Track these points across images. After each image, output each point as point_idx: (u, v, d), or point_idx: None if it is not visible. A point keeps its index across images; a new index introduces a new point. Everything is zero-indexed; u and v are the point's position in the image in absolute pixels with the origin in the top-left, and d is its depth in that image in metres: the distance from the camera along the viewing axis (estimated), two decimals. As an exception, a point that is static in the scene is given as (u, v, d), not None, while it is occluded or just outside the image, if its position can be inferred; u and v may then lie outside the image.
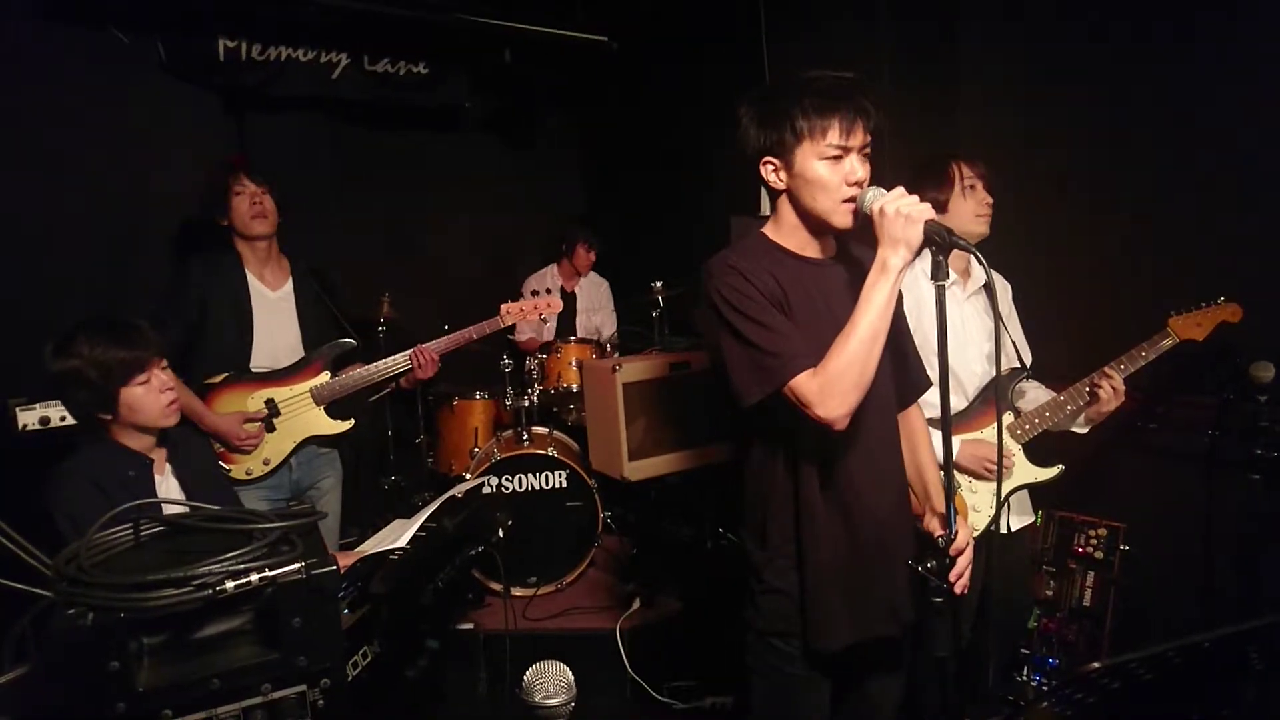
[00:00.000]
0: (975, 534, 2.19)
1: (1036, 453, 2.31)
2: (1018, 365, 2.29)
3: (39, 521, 1.82)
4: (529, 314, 3.09)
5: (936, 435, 2.21)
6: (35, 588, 1.11)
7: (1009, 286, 2.42)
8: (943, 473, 1.44)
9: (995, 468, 2.22)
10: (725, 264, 1.61)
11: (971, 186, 2.27)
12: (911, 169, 2.36)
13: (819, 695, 1.69)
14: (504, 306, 3.03)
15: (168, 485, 2.08)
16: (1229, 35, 2.52)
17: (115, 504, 1.25)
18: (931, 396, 2.28)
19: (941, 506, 1.67)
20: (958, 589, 1.51)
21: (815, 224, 1.63)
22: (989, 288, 2.31)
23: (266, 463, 2.72)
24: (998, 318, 1.44)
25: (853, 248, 1.74)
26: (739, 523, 1.78)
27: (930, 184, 2.26)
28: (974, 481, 2.27)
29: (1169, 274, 2.63)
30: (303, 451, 2.80)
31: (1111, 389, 2.18)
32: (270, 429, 2.72)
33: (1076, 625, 2.89)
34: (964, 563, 1.52)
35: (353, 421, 2.86)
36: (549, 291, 3.23)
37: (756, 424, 1.65)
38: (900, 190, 1.48)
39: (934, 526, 1.62)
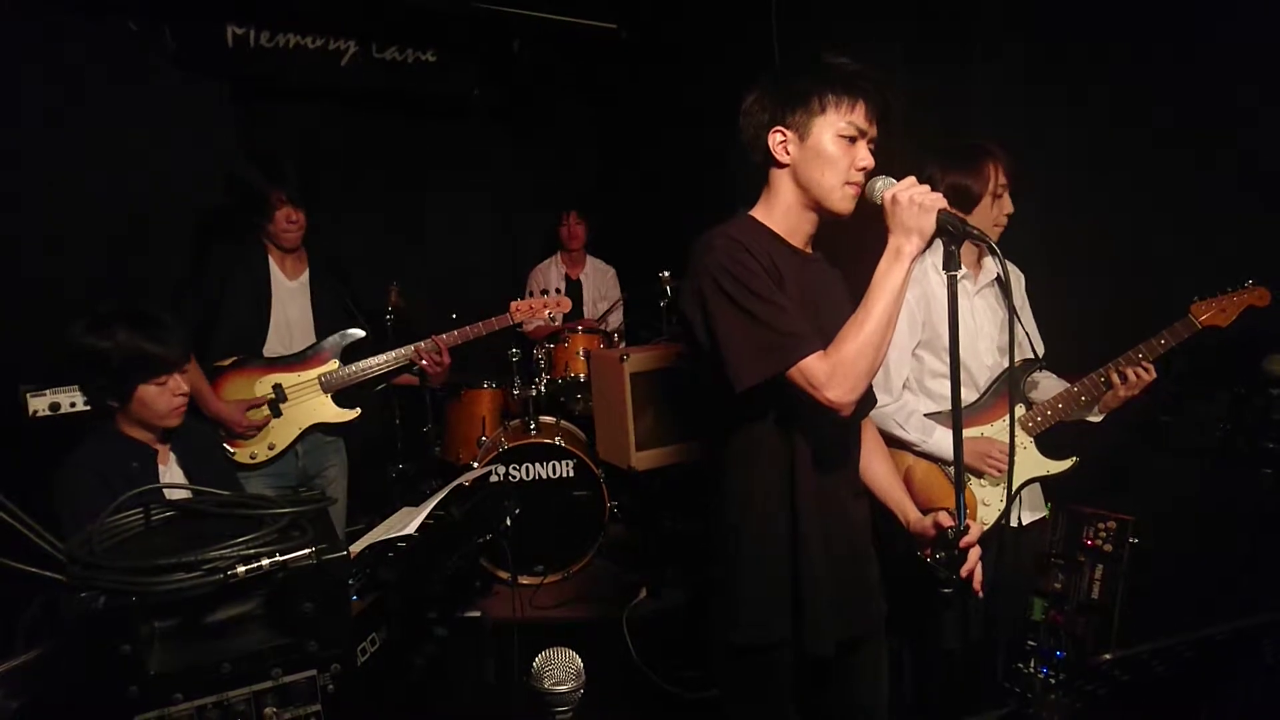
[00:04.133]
0: (985, 528, 2.17)
1: (1049, 445, 2.29)
2: (1031, 357, 2.26)
3: (49, 506, 1.84)
4: (538, 313, 3.11)
5: (942, 430, 2.22)
6: (47, 571, 1.11)
7: (1022, 276, 2.38)
8: (953, 466, 1.43)
9: (998, 465, 2.22)
10: (726, 236, 1.53)
11: (998, 195, 2.20)
12: (942, 150, 2.28)
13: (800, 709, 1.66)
14: (513, 304, 3.04)
15: (172, 476, 2.08)
16: (1252, 15, 2.48)
17: (119, 497, 1.25)
18: (942, 388, 2.29)
19: (912, 509, 1.67)
20: (976, 585, 1.50)
21: (813, 204, 1.58)
22: (1002, 281, 2.30)
23: (271, 448, 2.73)
24: (1012, 311, 1.43)
25: (822, 256, 1.71)
26: (708, 532, 1.67)
27: (961, 170, 2.20)
28: (983, 477, 2.25)
29: (1185, 264, 2.59)
30: (309, 439, 2.81)
31: (1136, 374, 2.13)
32: (276, 414, 2.74)
33: (1084, 618, 2.87)
34: (974, 557, 1.51)
35: (359, 411, 2.87)
36: (559, 291, 3.23)
37: (746, 412, 1.57)
38: (911, 179, 1.46)
39: (942, 520, 1.59)
